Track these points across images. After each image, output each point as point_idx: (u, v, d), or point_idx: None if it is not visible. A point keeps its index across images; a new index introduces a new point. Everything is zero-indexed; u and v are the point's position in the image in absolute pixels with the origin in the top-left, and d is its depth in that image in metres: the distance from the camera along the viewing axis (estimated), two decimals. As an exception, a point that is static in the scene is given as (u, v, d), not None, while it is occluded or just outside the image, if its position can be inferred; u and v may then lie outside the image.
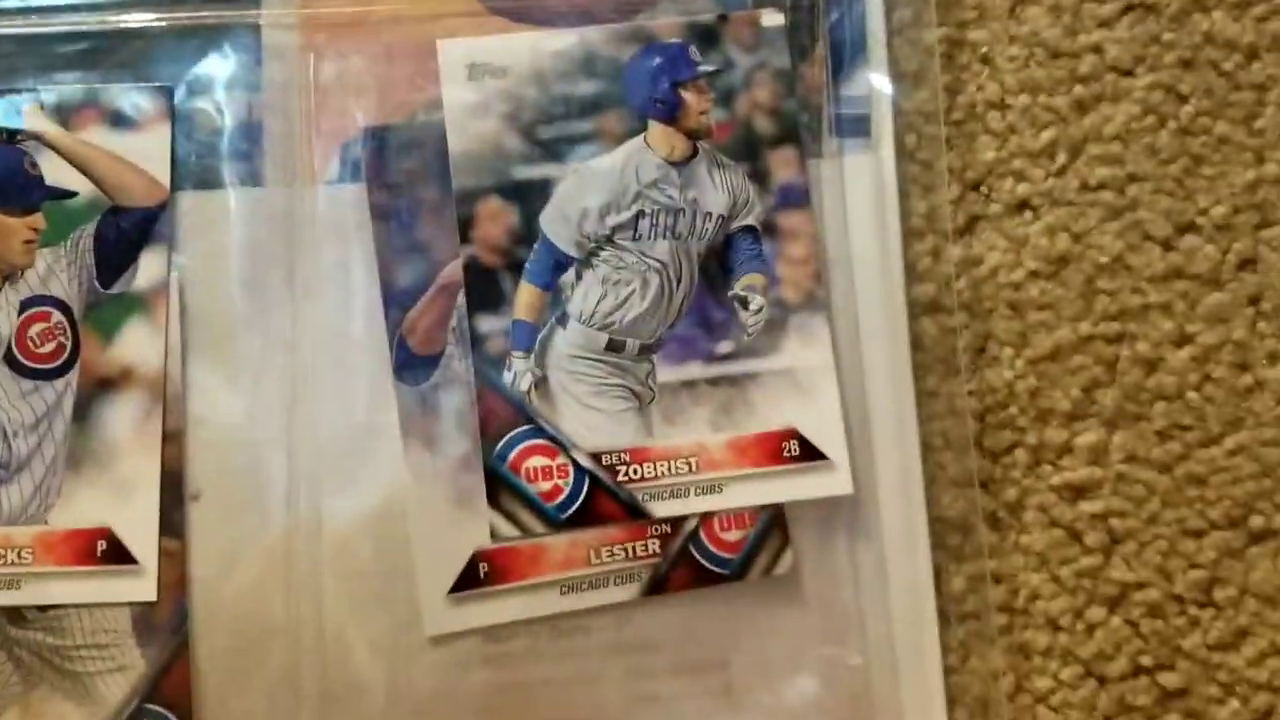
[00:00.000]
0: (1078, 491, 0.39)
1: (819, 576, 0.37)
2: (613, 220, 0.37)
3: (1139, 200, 0.40)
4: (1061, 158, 0.41)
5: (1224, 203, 0.40)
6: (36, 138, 0.36)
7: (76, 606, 0.34)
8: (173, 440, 0.35)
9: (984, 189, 0.41)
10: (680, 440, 0.36)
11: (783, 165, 0.38)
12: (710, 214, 0.38)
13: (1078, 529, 0.39)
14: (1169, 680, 0.39)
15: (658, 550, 0.36)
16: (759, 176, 0.38)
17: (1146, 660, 0.39)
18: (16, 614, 0.34)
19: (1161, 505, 0.39)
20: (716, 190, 0.38)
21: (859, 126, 0.39)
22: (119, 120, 0.36)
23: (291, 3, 0.37)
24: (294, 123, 0.37)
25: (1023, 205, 0.41)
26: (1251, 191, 0.41)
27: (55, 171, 0.36)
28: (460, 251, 0.36)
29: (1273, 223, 0.40)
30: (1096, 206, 0.40)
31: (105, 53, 0.37)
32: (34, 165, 0.36)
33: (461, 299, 0.36)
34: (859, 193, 0.39)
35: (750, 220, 0.37)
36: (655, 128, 0.38)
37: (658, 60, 0.38)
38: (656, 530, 0.36)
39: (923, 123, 0.40)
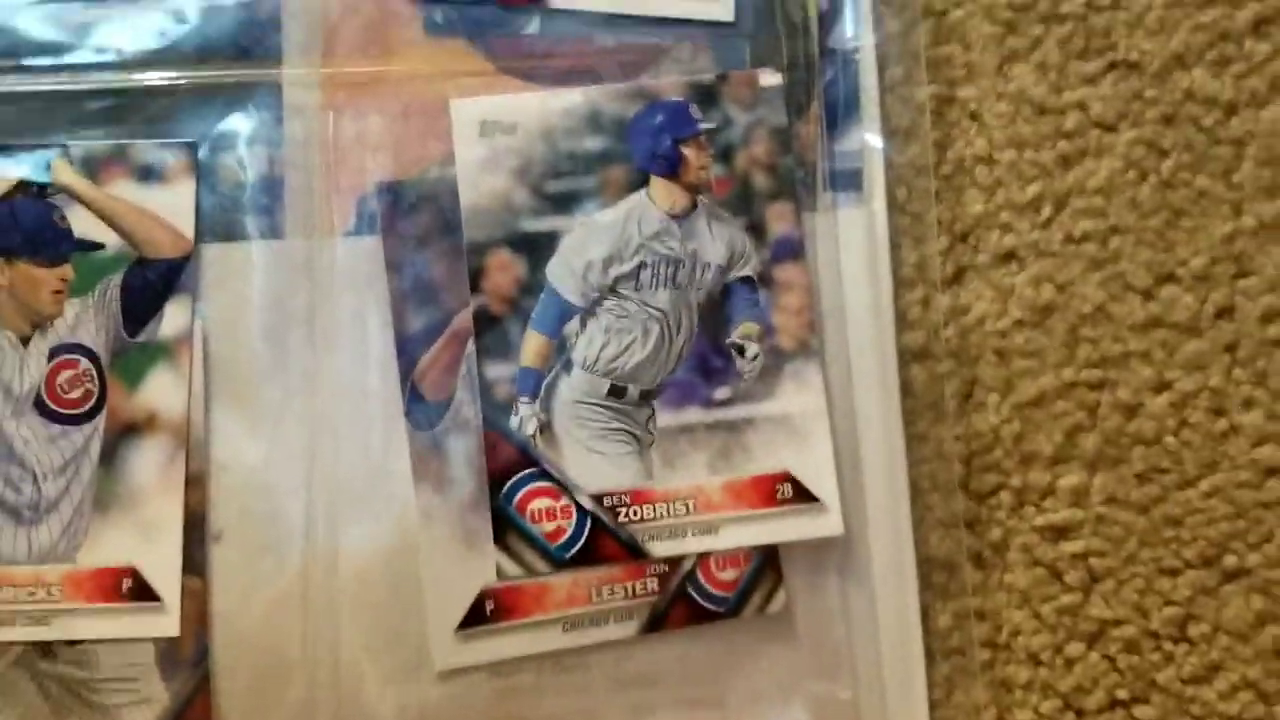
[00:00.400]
0: (1059, 532, 0.41)
1: (811, 614, 0.39)
2: (615, 271, 0.39)
3: (1121, 252, 0.42)
4: (1046, 210, 0.42)
5: (1202, 254, 0.42)
6: (65, 191, 0.38)
7: (103, 642, 0.36)
8: (195, 483, 0.37)
9: (972, 240, 0.42)
10: (679, 483, 0.38)
11: (778, 219, 0.40)
12: (709, 265, 0.39)
13: (1059, 568, 0.41)
14: (1144, 714, 0.40)
15: (656, 589, 0.37)
16: (756, 229, 0.39)
17: (1123, 694, 0.40)
18: (46, 649, 0.36)
19: (1139, 545, 0.41)
20: (715, 242, 0.39)
21: (852, 181, 0.41)
22: (145, 174, 0.38)
23: (312, 63, 0.39)
24: (313, 177, 0.38)
25: (1009, 256, 0.42)
26: (1229, 243, 0.42)
27: (83, 224, 0.38)
28: (470, 301, 0.38)
29: (1249, 273, 0.42)
30: (1080, 258, 0.42)
31: (132, 109, 0.39)
32: (63, 218, 0.38)
33: (471, 346, 0.38)
34: (852, 244, 0.41)
35: (747, 271, 0.39)
36: (657, 182, 0.39)
37: (659, 118, 0.40)
38: (655, 569, 0.37)
39: (914, 176, 0.42)
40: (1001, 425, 0.41)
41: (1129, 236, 0.42)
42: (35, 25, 0.39)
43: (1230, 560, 0.41)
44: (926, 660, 0.40)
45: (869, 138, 0.41)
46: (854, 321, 0.40)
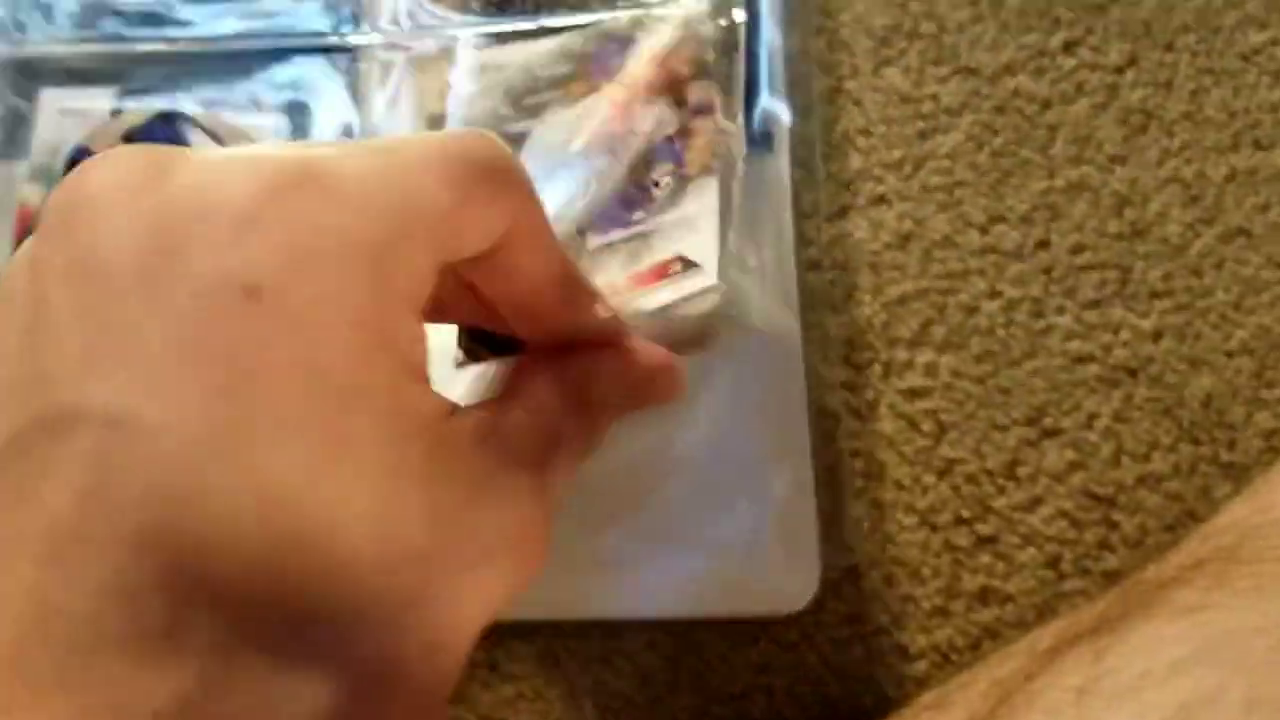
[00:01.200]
0: (916, 394, 0.54)
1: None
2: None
3: (963, 199, 0.57)
4: (908, 169, 0.57)
5: (1025, 203, 0.57)
6: (193, 121, 0.53)
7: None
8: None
9: (853, 189, 0.57)
10: (599, 283, 0.49)
11: (696, 91, 0.52)
12: (639, 133, 0.52)
13: (916, 420, 0.54)
14: (982, 529, 0.53)
15: None
16: (679, 102, 0.52)
17: (965, 514, 0.53)
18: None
19: (977, 406, 0.54)
20: (645, 117, 0.52)
21: (765, 141, 0.56)
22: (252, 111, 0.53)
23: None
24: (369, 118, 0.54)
25: (880, 199, 0.57)
26: (1045, 196, 0.57)
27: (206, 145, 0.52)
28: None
29: (1061, 218, 0.57)
30: (932, 202, 0.57)
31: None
32: (188, 140, 0.52)
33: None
34: (763, 185, 0.55)
35: (668, 131, 0.52)
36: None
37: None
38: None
39: (811, 141, 0.57)
40: (873, 317, 0.55)
41: (969, 189, 0.57)
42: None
43: (1048, 421, 0.54)
44: (815, 484, 0.53)
45: (779, 111, 0.56)
46: (766, 241, 0.55)
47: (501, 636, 0.50)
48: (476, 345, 0.40)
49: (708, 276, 0.48)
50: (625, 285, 0.48)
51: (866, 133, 0.57)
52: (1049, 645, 0.45)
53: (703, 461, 0.51)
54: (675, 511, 0.50)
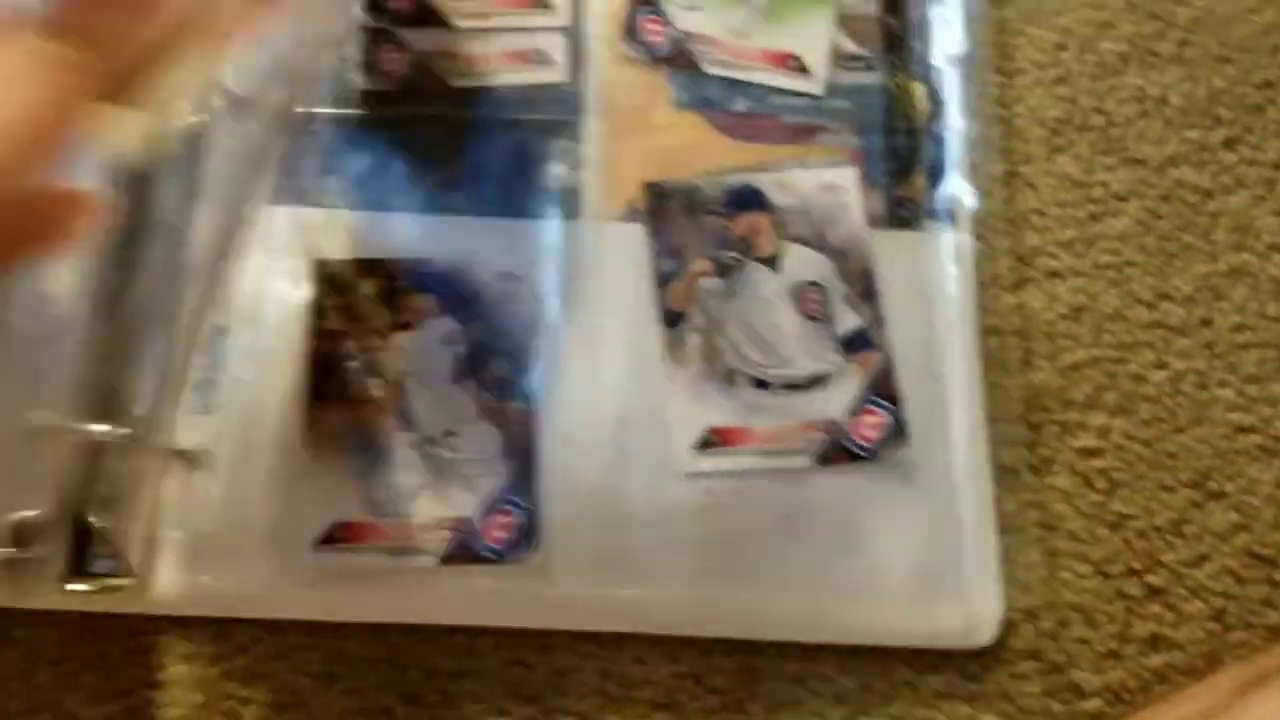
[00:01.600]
0: (1090, 454, 0.59)
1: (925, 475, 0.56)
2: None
3: (1131, 278, 0.62)
4: (1080, 248, 0.62)
5: (1189, 284, 0.61)
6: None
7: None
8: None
9: (1029, 263, 0.62)
10: None
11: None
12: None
13: (1090, 477, 0.58)
14: (1152, 581, 0.57)
15: (824, 438, 0.54)
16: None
17: (1136, 566, 0.57)
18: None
19: (1146, 468, 0.58)
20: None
21: (948, 217, 0.61)
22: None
23: (600, 118, 0.61)
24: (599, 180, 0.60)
25: (1055, 274, 0.62)
26: (1207, 279, 0.62)
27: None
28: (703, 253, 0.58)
29: (1223, 299, 0.61)
30: (1103, 279, 0.62)
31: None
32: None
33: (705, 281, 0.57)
34: (945, 257, 0.60)
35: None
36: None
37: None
38: (822, 427, 0.55)
39: (991, 219, 0.62)
40: (1049, 381, 0.60)
41: (1137, 268, 0.62)
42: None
43: (1212, 485, 0.58)
44: (997, 533, 0.57)
45: (962, 191, 0.62)
46: (945, 309, 0.59)
47: (705, 651, 0.54)
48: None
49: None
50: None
51: (1041, 213, 0.62)
52: (1232, 685, 0.49)
53: (900, 509, 0.55)
54: (877, 549, 0.54)
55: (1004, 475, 0.56)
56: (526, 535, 0.52)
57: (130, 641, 0.52)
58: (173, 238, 0.53)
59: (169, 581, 0.52)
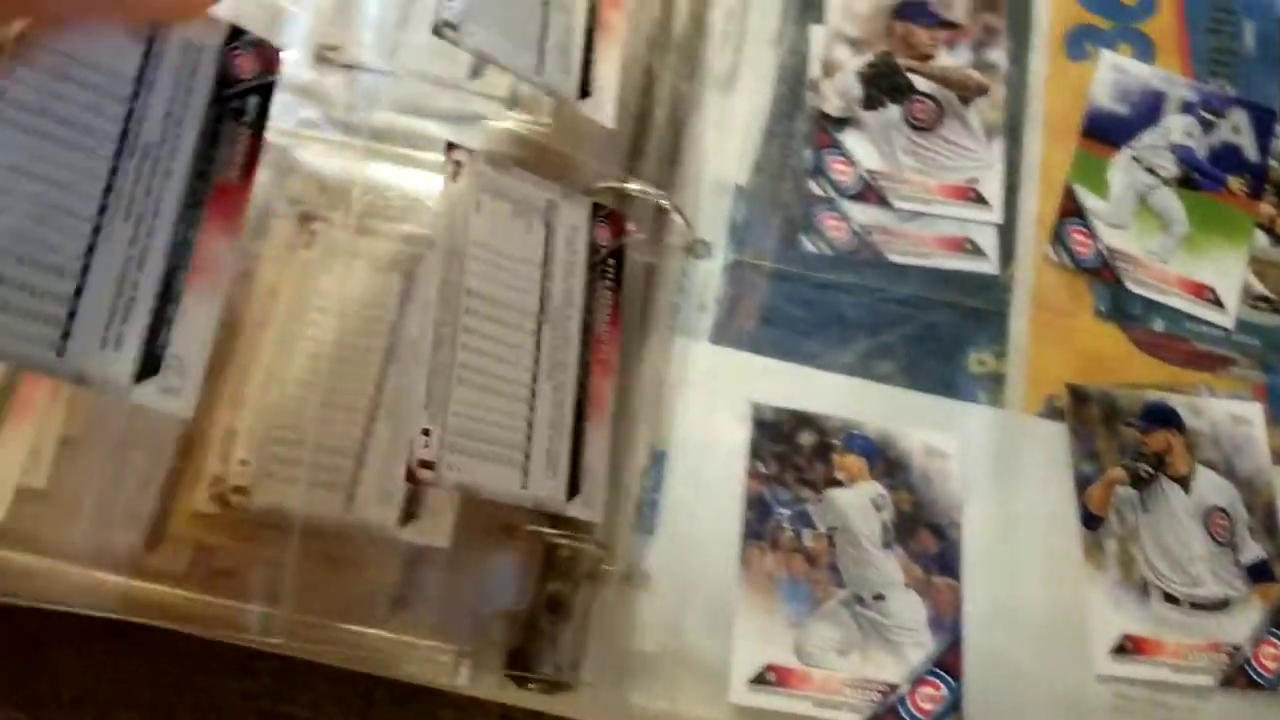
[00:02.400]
0: None
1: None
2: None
3: None
4: None
5: None
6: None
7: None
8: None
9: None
10: None
11: None
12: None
13: None
14: None
15: (1226, 661, 0.57)
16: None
17: None
18: (863, 600, 0.57)
19: None
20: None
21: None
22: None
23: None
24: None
25: None
26: None
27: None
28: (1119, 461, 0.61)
29: None
30: None
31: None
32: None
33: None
34: None
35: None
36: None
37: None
38: (1229, 650, 0.57)
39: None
40: None
41: None
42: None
43: None
44: None
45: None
46: None
47: None
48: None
49: None
50: None
51: None
52: None
53: None
54: None
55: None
56: (952, 709, 0.54)
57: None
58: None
59: (596, 692, 0.54)
